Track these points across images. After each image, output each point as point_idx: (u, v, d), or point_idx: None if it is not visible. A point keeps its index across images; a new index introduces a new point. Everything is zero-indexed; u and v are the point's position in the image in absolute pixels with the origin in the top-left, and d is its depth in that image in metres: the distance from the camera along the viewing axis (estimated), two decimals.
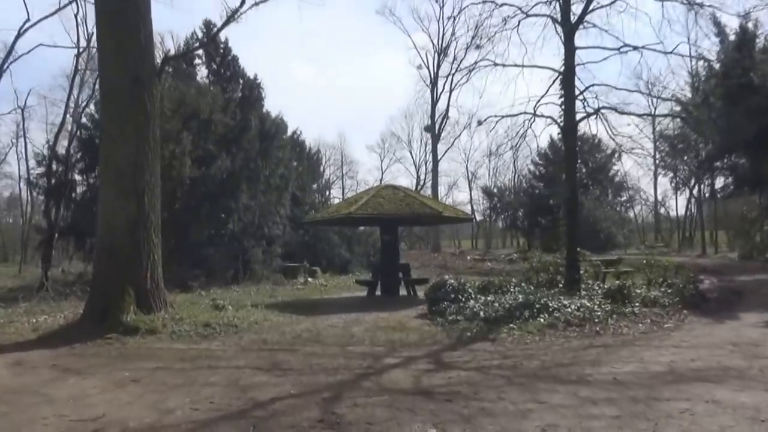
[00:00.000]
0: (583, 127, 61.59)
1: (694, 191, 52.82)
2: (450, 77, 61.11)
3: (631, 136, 17.81)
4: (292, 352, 10.15)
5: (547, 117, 15.76)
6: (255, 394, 7.33)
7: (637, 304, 13.44)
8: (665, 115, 20.96)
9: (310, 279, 24.35)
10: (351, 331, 12.07)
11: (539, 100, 15.75)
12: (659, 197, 64.45)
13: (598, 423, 6.10)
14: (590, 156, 57.31)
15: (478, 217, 75.70)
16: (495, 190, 67.51)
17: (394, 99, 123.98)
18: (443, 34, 61.67)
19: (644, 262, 17.68)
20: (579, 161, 57.16)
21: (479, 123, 71.09)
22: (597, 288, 15.28)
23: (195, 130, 23.79)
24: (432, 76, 62.75)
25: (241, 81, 28.91)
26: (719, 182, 40.65)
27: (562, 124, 15.16)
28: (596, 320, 11.98)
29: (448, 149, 72.30)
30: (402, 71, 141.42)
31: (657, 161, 55.51)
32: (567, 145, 14.77)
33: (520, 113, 16.16)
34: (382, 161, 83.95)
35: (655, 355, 9.43)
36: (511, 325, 11.56)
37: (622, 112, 15.38)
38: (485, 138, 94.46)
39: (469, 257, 45.04)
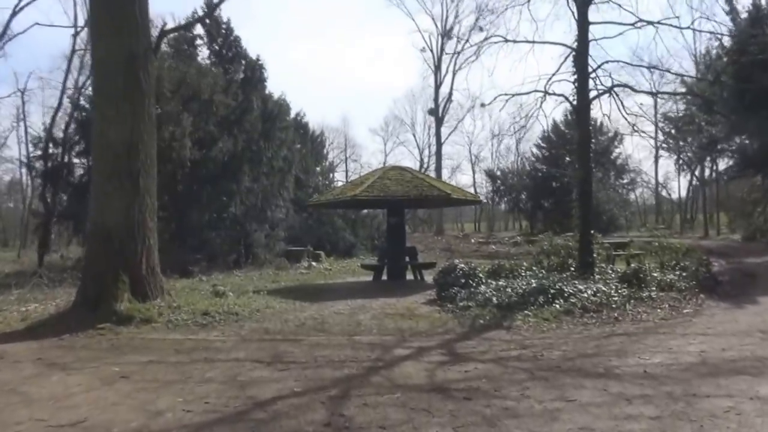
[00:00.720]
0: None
1: (697, 173, 51.86)
2: (454, 59, 60.59)
3: (637, 115, 16.77)
4: (295, 342, 9.43)
5: (559, 95, 14.99)
6: (255, 392, 6.61)
7: (653, 288, 12.70)
8: (681, 94, 20.09)
9: (314, 263, 23.58)
10: (357, 318, 11.34)
11: (551, 78, 14.96)
12: (661, 179, 63.54)
13: (637, 426, 5.37)
14: (592, 138, 56.34)
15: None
16: (498, 173, 66.60)
17: (398, 82, 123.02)
18: (446, 17, 60.77)
19: (656, 244, 16.88)
20: None
21: (483, 105, 71.26)
22: (611, 271, 14.55)
23: (195, 112, 22.94)
24: (435, 59, 61.96)
25: (243, 62, 27.96)
26: (722, 164, 39.95)
27: (574, 102, 14.37)
28: (613, 306, 11.26)
29: (452, 132, 71.75)
30: (405, 54, 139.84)
31: (659, 143, 54.74)
32: (580, 124, 13.98)
33: (531, 91, 15.39)
34: (385, 144, 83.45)
35: (683, 344, 8.68)
36: (525, 311, 10.84)
37: (637, 90, 14.65)
38: (494, 118, 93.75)
39: (472, 240, 44.26)
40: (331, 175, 40.27)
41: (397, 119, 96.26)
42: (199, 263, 21.31)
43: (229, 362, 8.15)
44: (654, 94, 15.01)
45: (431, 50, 62.33)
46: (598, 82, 14.47)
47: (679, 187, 70.19)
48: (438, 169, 61.07)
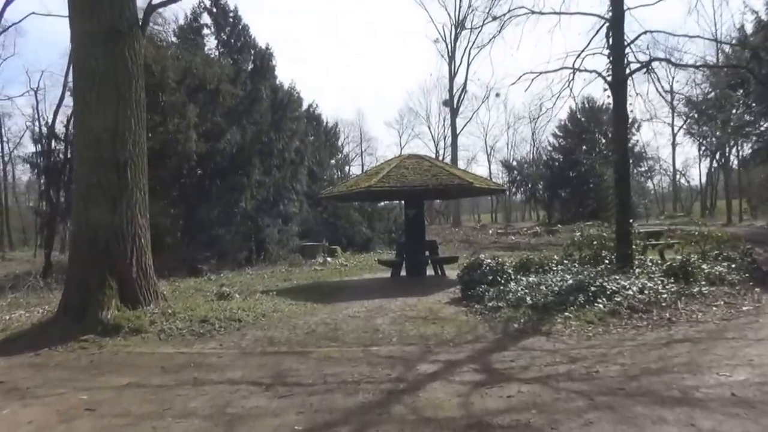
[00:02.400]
0: (602, 98, 58.52)
1: (718, 158, 49.75)
2: (469, 48, 58.85)
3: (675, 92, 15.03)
4: (302, 355, 7.92)
5: (591, 71, 13.30)
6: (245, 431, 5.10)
7: (703, 282, 11.04)
8: (729, 66, 18.16)
9: (329, 259, 22.05)
10: (374, 323, 9.81)
11: (581, 53, 13.34)
12: (679, 167, 61.50)
13: None
14: (609, 127, 54.56)
15: None
16: (514, 163, 64.80)
17: (412, 74, 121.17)
18: (460, 6, 59.01)
19: (696, 233, 15.14)
20: (597, 132, 54.73)
21: (497, 95, 69.52)
22: (651, 264, 12.91)
23: (201, 103, 21.50)
24: (450, 50, 60.22)
25: (252, 52, 26.49)
26: (746, 149, 38.05)
27: (609, 78, 12.70)
28: (663, 304, 9.63)
29: (467, 123, 70.20)
30: (419, 46, 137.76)
31: (684, 127, 52.74)
32: (616, 102, 12.32)
33: (560, 69, 13.77)
34: (400, 137, 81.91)
35: (763, 353, 7.06)
36: (565, 313, 9.24)
37: (677, 64, 12.95)
38: (509, 108, 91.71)
39: (490, 231, 42.54)
40: (346, 167, 38.70)
41: (411, 111, 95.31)
42: (209, 261, 19.90)
43: (222, 384, 6.65)
44: (697, 67, 13.61)
45: (445, 41, 60.62)
46: (635, 55, 12.89)
47: (699, 173, 67.76)
48: (454, 160, 59.23)
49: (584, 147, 54.06)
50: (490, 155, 79.73)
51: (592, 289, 10.01)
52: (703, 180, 57.28)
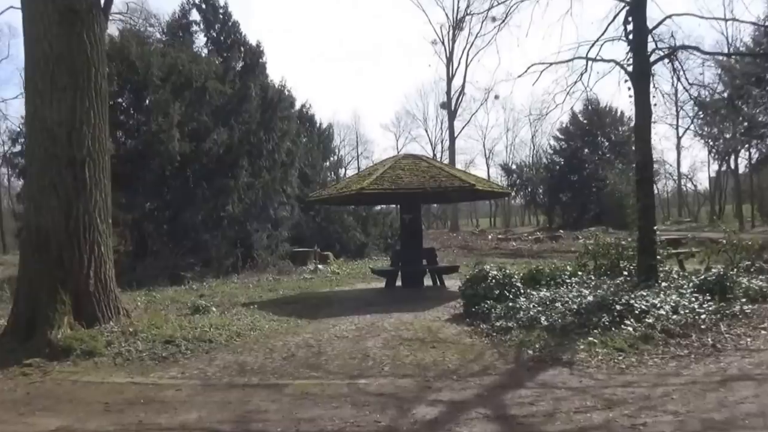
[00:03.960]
0: (606, 99, 57.12)
1: (729, 161, 48.30)
2: (466, 52, 57.74)
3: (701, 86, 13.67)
4: (275, 390, 6.57)
5: (609, 61, 11.97)
6: None
7: (743, 299, 9.65)
8: (761, 55, 16.79)
9: (320, 266, 20.62)
10: (364, 346, 8.47)
11: (596, 41, 12.05)
12: (685, 170, 60.17)
13: None
14: (613, 129, 53.44)
15: None
16: (513, 167, 63.49)
17: (409, 76, 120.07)
18: (458, 7, 57.85)
19: (723, 241, 13.69)
20: (600, 134, 53.40)
21: (496, 97, 68.10)
22: (677, 276, 11.56)
23: (188, 101, 20.13)
24: (447, 52, 59.09)
25: (242, 49, 25.13)
26: (752, 152, 36.79)
27: (629, 69, 11.38)
28: (702, 326, 8.22)
29: (465, 126, 69.13)
30: (417, 47, 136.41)
31: (681, 132, 51.53)
32: (638, 95, 11.00)
33: (572, 59, 12.48)
34: (397, 140, 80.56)
35: None
36: (589, 337, 7.86)
37: (706, 52, 11.67)
38: (508, 110, 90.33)
39: (490, 236, 41.21)
40: (341, 170, 37.31)
41: (408, 114, 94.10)
42: (193, 268, 18.48)
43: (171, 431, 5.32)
44: (729, 56, 12.42)
45: (443, 42, 59.48)
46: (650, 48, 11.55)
47: (709, 177, 66.26)
48: (451, 163, 57.99)
49: (586, 150, 52.83)
50: (489, 159, 78.53)
51: (617, 307, 8.64)
52: (704, 185, 55.94)
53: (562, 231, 40.70)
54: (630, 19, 11.14)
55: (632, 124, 52.75)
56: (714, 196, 52.68)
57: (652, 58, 11.27)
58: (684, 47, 11.66)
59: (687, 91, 12.91)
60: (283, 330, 9.86)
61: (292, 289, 15.65)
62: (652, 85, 11.16)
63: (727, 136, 39.54)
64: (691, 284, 10.34)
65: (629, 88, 11.34)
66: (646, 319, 8.27)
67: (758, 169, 35.75)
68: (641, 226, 11.08)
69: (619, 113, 52.18)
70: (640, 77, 10.95)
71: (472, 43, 57.95)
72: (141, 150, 18.80)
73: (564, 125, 53.38)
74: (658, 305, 8.76)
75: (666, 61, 11.78)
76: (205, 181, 20.13)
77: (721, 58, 21.52)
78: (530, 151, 74.47)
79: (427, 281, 15.47)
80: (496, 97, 66.00)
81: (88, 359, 8.02)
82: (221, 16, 25.71)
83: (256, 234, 21.16)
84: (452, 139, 60.22)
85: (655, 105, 11.14)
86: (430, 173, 14.00)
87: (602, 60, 12.03)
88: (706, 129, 46.89)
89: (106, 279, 9.45)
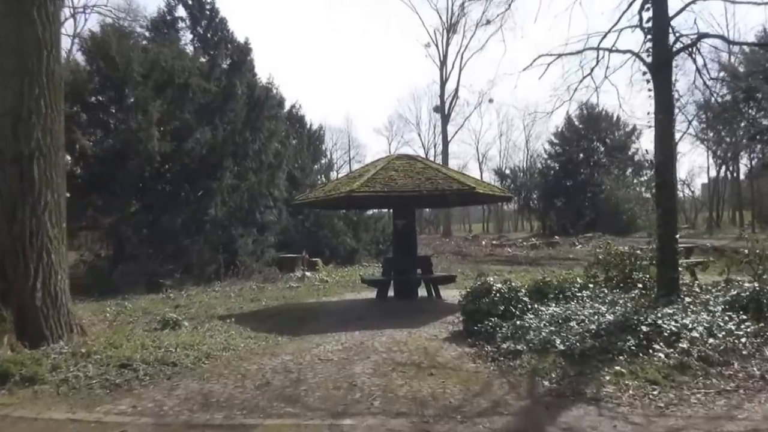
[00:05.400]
0: (601, 104, 56.32)
1: (729, 167, 47.19)
2: (460, 56, 56.88)
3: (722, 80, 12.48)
4: None
5: (625, 52, 10.79)
6: None
7: None
8: None
9: (308, 273, 19.35)
10: (351, 371, 7.26)
11: (612, 28, 10.87)
12: (684, 176, 59.04)
13: None
14: (608, 134, 52.41)
15: None
16: (507, 172, 62.43)
17: (402, 80, 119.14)
18: (452, 10, 56.88)
19: (746, 251, 12.43)
20: (595, 139, 52.33)
21: (491, 101, 67.28)
22: (699, 290, 10.37)
23: (170, 98, 18.89)
24: (441, 55, 58.14)
25: (229, 47, 23.92)
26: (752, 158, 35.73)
27: (648, 60, 10.23)
28: (744, 353, 7.02)
29: (458, 130, 68.30)
30: (410, 50, 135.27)
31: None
32: (659, 88, 9.83)
33: (583, 50, 11.27)
34: (389, 144, 79.34)
35: None
36: (615, 366, 6.64)
37: (732, 42, 10.55)
38: (502, 114, 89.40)
39: (483, 242, 39.98)
40: (332, 173, 36.05)
41: (401, 118, 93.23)
42: (172, 275, 17.22)
43: None
44: (760, 46, 11.25)
45: (436, 45, 58.58)
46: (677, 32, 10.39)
47: (709, 182, 65.06)
48: None
49: (581, 155, 51.80)
50: (482, 163, 77.44)
51: (643, 328, 7.45)
52: (708, 189, 54.80)
53: (558, 237, 39.57)
54: (649, 5, 9.97)
55: (627, 129, 51.91)
56: (712, 201, 51.56)
57: (675, 48, 10.09)
58: (709, 35, 10.52)
59: (706, 85, 11.69)
60: (260, 350, 8.64)
61: (275, 299, 14.41)
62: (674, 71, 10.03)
63: (728, 140, 38.42)
64: (719, 300, 9.18)
65: (648, 81, 10.17)
66: (679, 344, 7.06)
67: (763, 174, 34.51)
68: (661, 234, 9.86)
69: (614, 118, 51.19)
70: (661, 68, 9.78)
71: (466, 46, 57.25)
72: (119, 149, 17.55)
73: (559, 129, 52.54)
74: (690, 326, 7.57)
75: (682, 54, 10.60)
76: (187, 183, 18.93)
77: (746, 49, 20.44)
78: (524, 156, 73.59)
79: (422, 292, 14.25)
80: (491, 100, 65.32)
81: (28, 387, 6.79)
82: (208, 13, 24.58)
83: (241, 239, 19.92)
84: (445, 143, 59.30)
85: (678, 100, 9.93)
86: (425, 175, 12.78)
87: (617, 51, 10.82)
88: (709, 133, 45.72)
89: (57, 291, 8.19)
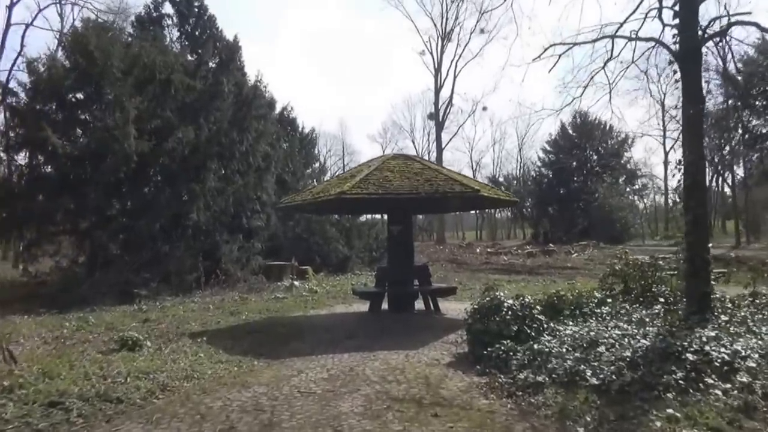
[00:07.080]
0: (595, 112, 55.67)
1: (724, 175, 45.90)
2: (455, 63, 55.86)
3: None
4: None
5: (648, 39, 9.39)
6: None
7: None
8: None
9: (296, 282, 17.79)
10: (337, 410, 5.78)
11: (631, 15, 9.48)
12: (676, 184, 57.88)
13: None
14: (601, 142, 51.33)
15: None
16: (501, 179, 61.17)
17: (396, 87, 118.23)
18: (447, 18, 55.62)
19: None
20: (588, 148, 51.11)
21: (484, 109, 66.05)
22: (733, 306, 8.93)
23: (151, 95, 17.41)
24: (436, 62, 56.88)
25: (218, 45, 22.51)
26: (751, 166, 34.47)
27: (674, 48, 8.85)
28: None
29: (453, 138, 67.31)
30: (405, 58, 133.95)
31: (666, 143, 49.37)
32: (686, 79, 8.45)
33: (598, 38, 9.86)
34: (383, 151, 77.96)
35: None
36: (668, 410, 5.13)
37: (765, 29, 9.08)
38: (496, 121, 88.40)
39: (478, 249, 38.55)
40: (324, 178, 34.58)
41: (395, 125, 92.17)
42: (148, 284, 15.68)
43: None
44: None
45: (431, 53, 57.33)
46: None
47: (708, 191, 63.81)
48: None
49: (575, 163, 50.67)
50: (476, 171, 76.19)
51: (689, 356, 6.01)
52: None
53: (552, 245, 38.24)
54: None
55: (620, 138, 50.75)
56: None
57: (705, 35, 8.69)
58: (741, 23, 9.12)
59: (729, 81, 10.34)
60: (229, 378, 7.15)
61: (258, 312, 12.88)
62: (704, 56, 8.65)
63: (728, 148, 37.19)
64: (756, 318, 7.77)
65: (675, 71, 8.78)
66: (737, 377, 5.63)
67: (760, 183, 33.20)
68: (691, 242, 8.43)
69: (607, 126, 50.10)
70: (690, 56, 8.38)
71: (461, 54, 56.09)
72: (94, 149, 16.06)
73: (553, 138, 51.52)
74: (742, 352, 6.13)
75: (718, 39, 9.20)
76: (167, 186, 17.43)
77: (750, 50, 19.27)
78: (518, 164, 72.47)
79: (419, 304, 12.77)
80: (484, 108, 64.25)
81: None
82: (196, 10, 23.26)
83: (225, 246, 18.42)
84: (440, 150, 58.02)
85: (709, 92, 8.54)
86: (424, 176, 11.31)
87: (639, 38, 9.42)
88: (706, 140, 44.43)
89: None
